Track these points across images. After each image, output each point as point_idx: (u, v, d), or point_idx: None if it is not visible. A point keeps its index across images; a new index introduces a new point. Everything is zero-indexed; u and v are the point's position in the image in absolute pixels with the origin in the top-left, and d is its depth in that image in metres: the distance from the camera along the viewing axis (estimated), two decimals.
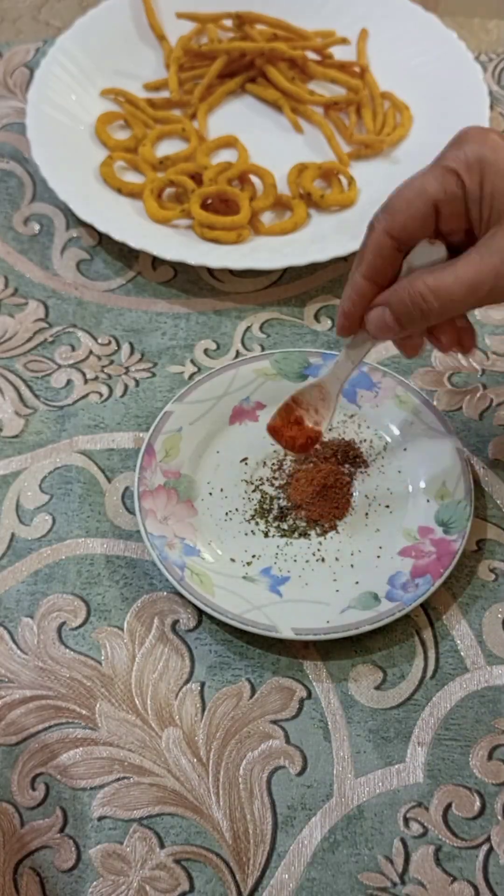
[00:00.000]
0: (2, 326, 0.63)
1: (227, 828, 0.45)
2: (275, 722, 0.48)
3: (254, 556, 0.52)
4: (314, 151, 0.71)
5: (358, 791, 0.46)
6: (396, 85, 0.73)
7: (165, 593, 0.52)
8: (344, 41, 0.75)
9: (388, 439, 0.56)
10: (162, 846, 0.45)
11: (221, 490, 0.55)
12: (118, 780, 0.46)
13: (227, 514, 0.54)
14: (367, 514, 0.54)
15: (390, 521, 0.53)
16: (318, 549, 0.53)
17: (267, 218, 0.67)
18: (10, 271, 0.65)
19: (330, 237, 0.64)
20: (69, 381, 0.60)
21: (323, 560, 0.52)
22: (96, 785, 0.46)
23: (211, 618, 0.51)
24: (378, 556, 0.52)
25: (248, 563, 0.52)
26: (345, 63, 0.74)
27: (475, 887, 0.44)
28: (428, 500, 0.53)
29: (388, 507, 0.54)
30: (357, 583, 0.51)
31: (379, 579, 0.51)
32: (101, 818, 0.45)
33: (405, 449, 0.56)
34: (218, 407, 0.57)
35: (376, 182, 0.68)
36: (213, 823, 0.45)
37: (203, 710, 0.48)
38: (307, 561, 0.52)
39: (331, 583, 0.51)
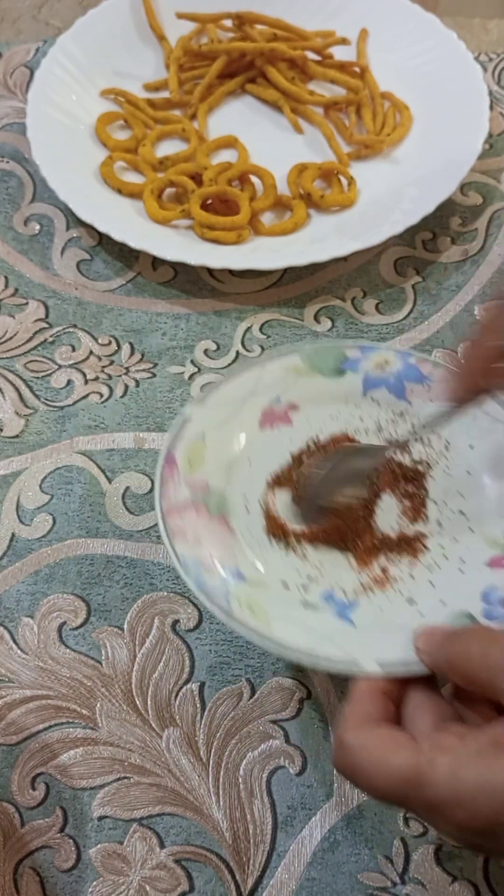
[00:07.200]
0: (2, 326, 0.63)
1: (227, 828, 0.45)
2: (275, 722, 0.48)
3: (309, 578, 0.45)
4: (314, 151, 0.71)
5: (358, 791, 0.46)
6: (396, 85, 0.73)
7: (165, 593, 0.52)
8: (344, 41, 0.75)
9: (449, 437, 0.50)
10: (162, 846, 0.45)
11: (259, 504, 0.48)
12: (118, 779, 0.46)
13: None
14: (439, 522, 0.47)
15: (468, 529, 0.47)
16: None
17: (267, 218, 0.67)
18: (10, 271, 0.65)
19: (330, 237, 0.64)
20: (69, 382, 0.60)
21: (394, 580, 0.45)
22: (96, 785, 0.46)
23: (211, 618, 0.51)
24: (461, 571, 0.45)
25: (304, 587, 0.45)
26: (345, 63, 0.74)
27: (475, 887, 0.44)
28: None
29: (462, 512, 0.47)
30: (443, 603, 0.44)
31: (469, 596, 0.44)
32: (101, 818, 0.45)
33: (471, 446, 0.49)
34: (245, 410, 0.50)
35: (376, 182, 0.68)
36: (213, 823, 0.45)
37: (203, 710, 0.48)
38: None
39: (408, 606, 0.44)
